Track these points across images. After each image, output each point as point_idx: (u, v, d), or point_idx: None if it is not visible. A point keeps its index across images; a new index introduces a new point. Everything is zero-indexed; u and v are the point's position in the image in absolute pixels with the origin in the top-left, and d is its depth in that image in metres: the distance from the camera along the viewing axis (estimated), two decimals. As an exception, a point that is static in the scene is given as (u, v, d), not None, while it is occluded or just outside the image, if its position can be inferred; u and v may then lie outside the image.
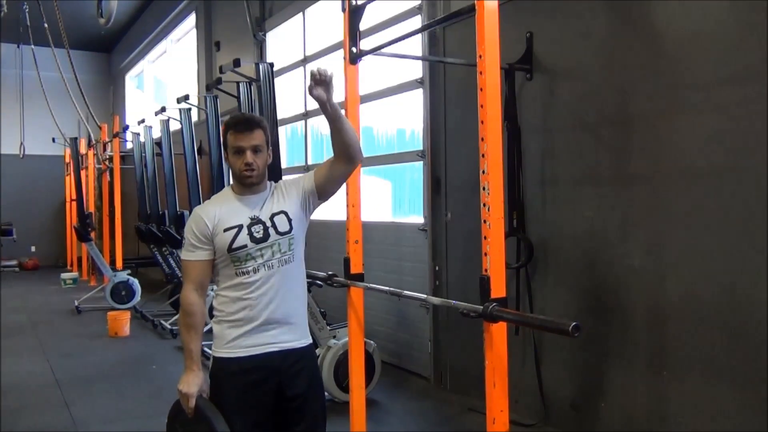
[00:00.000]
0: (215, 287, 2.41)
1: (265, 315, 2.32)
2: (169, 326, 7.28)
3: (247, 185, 2.38)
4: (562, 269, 4.09)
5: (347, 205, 3.53)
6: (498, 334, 2.46)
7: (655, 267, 3.52)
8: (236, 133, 2.34)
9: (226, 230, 2.31)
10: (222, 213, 2.35)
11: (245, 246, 2.30)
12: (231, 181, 2.51)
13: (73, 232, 12.19)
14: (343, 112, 2.45)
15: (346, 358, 3.75)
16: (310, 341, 2.47)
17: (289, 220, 2.38)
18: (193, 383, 2.26)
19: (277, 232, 2.35)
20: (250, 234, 2.32)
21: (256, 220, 2.35)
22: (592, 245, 3.89)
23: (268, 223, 2.35)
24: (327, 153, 7.43)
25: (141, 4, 13.16)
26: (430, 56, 5.15)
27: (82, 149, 11.57)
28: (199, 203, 4.40)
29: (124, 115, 15.31)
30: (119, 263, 9.69)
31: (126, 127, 10.27)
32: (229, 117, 2.43)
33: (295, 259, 2.40)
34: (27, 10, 9.72)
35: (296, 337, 2.39)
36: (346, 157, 2.35)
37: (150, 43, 13.51)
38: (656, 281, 3.51)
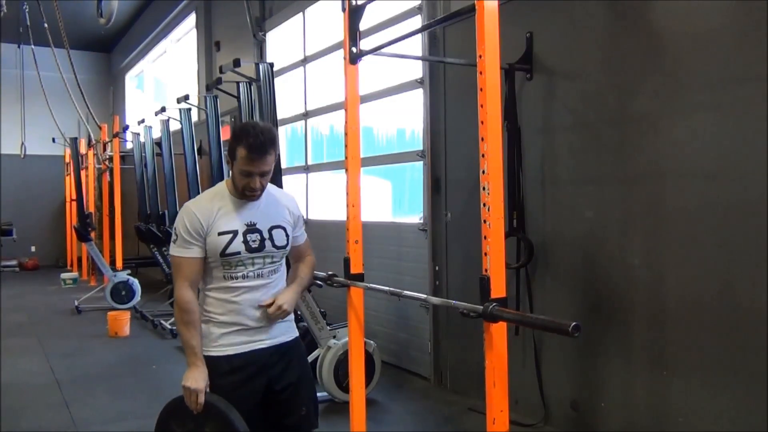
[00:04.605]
0: (201, 285, 2.42)
1: (251, 320, 2.36)
2: (169, 326, 7.27)
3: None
4: (562, 269, 4.09)
5: (347, 205, 3.53)
6: (498, 334, 2.46)
7: (655, 267, 3.52)
8: (249, 157, 2.22)
9: (220, 234, 2.30)
10: (218, 214, 2.32)
11: (239, 253, 2.31)
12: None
13: (73, 232, 12.18)
14: (309, 272, 2.64)
15: (346, 358, 3.75)
16: (296, 334, 2.53)
17: (287, 236, 2.44)
18: (200, 378, 2.25)
19: (274, 245, 2.38)
20: (246, 242, 2.32)
21: (252, 228, 2.34)
22: (592, 245, 3.89)
23: (266, 234, 2.37)
24: (327, 153, 7.42)
25: (141, 4, 13.15)
26: (430, 56, 5.15)
27: (82, 149, 11.56)
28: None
29: (124, 115, 15.30)
30: (119, 263, 9.67)
31: (126, 127, 10.27)
32: (243, 128, 2.25)
33: (282, 267, 2.49)
34: (27, 10, 9.71)
35: (281, 333, 2.45)
36: None
37: (150, 43, 13.50)
38: (656, 281, 3.51)
